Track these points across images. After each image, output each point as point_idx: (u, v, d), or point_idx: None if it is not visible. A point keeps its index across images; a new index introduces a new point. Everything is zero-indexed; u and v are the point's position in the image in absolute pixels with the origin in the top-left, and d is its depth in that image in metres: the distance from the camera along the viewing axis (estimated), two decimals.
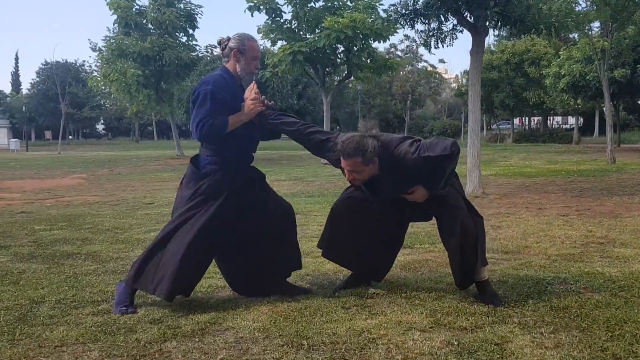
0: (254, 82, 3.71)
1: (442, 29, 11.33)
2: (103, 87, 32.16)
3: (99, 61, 31.14)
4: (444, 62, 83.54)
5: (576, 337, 2.94)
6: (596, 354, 2.72)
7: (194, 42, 28.94)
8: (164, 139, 66.60)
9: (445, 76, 57.76)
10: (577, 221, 6.78)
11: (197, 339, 3.04)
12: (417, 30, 11.45)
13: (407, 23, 10.60)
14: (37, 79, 63.45)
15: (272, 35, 20.67)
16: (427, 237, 5.89)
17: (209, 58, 27.14)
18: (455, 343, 2.88)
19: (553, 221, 6.81)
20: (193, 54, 28.21)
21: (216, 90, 3.58)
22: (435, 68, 48.55)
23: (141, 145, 50.19)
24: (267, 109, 3.67)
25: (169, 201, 9.82)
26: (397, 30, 19.86)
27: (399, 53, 44.96)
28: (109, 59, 27.20)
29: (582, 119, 44.57)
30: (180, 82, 26.19)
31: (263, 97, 3.67)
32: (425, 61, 47.18)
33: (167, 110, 29.38)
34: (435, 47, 11.44)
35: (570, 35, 33.14)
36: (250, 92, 3.64)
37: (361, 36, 19.33)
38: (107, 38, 27.88)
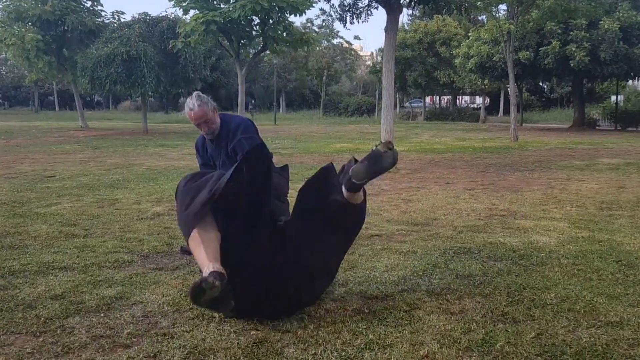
0: None
1: (358, 5, 11.40)
2: None
3: None
4: (359, 39, 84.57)
5: (479, 302, 3.07)
6: (497, 318, 2.85)
7: (99, 8, 27.43)
8: (66, 109, 63.11)
9: (361, 53, 58.35)
10: (481, 195, 7.08)
11: (102, 314, 2.93)
12: (333, 4, 11.46)
13: None
14: None
15: (184, 4, 19.93)
16: None
17: (115, 25, 25.75)
18: (366, 311, 2.94)
19: (460, 195, 7.09)
20: (98, 19, 26.73)
21: (197, 156, 4.31)
22: (351, 45, 48.90)
23: (41, 116, 47.34)
24: None
25: (71, 174, 9.35)
26: (313, 4, 19.74)
27: (315, 28, 44.81)
28: (5, 22, 25.27)
29: (488, 99, 46.65)
30: (84, 49, 24.74)
31: None
32: (341, 37, 47.50)
33: (70, 78, 27.78)
34: (350, 23, 11.58)
35: (479, 17, 34.38)
36: None
37: (277, 8, 19.04)
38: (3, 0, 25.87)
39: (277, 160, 4.64)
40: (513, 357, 2.42)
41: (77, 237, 4.70)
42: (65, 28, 25.33)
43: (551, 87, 47.01)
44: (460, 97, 54.38)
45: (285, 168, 4.43)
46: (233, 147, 4.03)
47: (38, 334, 2.69)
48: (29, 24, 25.04)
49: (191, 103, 3.95)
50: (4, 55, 32.02)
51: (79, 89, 28.95)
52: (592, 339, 2.59)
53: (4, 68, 59.99)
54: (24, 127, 27.62)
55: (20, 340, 2.62)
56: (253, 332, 2.68)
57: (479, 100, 53.13)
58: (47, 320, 2.84)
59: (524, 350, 2.48)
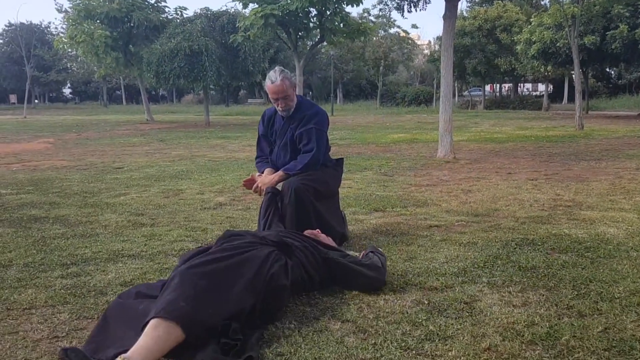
0: (256, 175, 4.22)
1: None
2: (69, 50, 31.31)
3: (65, 22, 30.19)
4: (416, 28, 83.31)
5: (543, 295, 3.00)
6: (562, 311, 2.79)
7: (163, 4, 28.23)
8: (133, 103, 65.35)
9: (418, 42, 57.50)
10: (545, 185, 6.89)
11: None
12: None
13: None
14: (1, 41, 61.29)
15: None
16: (399, 200, 5.94)
17: (178, 20, 26.39)
18: (426, 302, 2.93)
19: (522, 185, 6.92)
20: (162, 15, 27.50)
21: (259, 127, 4.37)
22: (408, 34, 48.24)
23: (109, 110, 49.25)
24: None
25: (138, 165, 9.70)
26: None
27: (372, 18, 44.46)
28: (76, 20, 26.36)
29: (551, 86, 45.11)
30: (150, 45, 25.52)
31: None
32: (398, 26, 46.92)
33: (136, 73, 28.75)
34: (408, 11, 11.41)
35: (542, 2, 33.26)
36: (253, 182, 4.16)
37: None
38: None
39: (335, 151, 4.67)
40: (579, 352, 2.36)
41: (144, 226, 4.89)
42: (132, 24, 26.24)
43: (619, 73, 45.02)
44: (522, 84, 52.87)
45: (340, 161, 4.44)
46: (300, 133, 4.05)
47: None
48: (98, 21, 26.02)
49: (273, 76, 3.91)
50: (74, 52, 33.35)
51: (145, 84, 29.90)
52: None
53: (74, 64, 62.47)
54: (94, 121, 28.80)
55: (92, 325, 2.70)
56: (313, 321, 2.73)
57: (541, 87, 51.49)
58: None
59: (591, 344, 2.42)
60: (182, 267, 2.61)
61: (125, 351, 2.25)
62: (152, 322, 2.28)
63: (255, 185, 4.09)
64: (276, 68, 4.03)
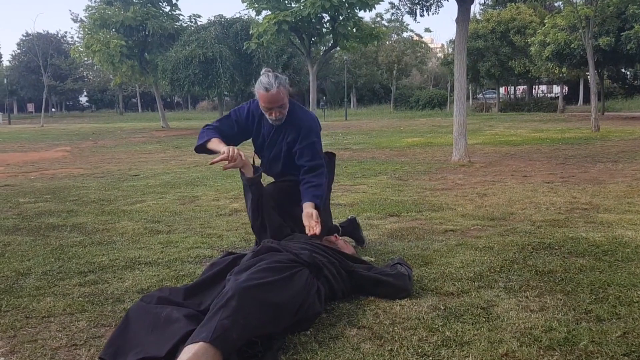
0: (229, 150, 3.32)
1: None
2: (85, 58, 31.73)
3: (81, 32, 30.59)
4: (430, 32, 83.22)
5: (561, 300, 2.98)
6: (580, 316, 2.76)
7: (178, 12, 28.53)
8: (149, 110, 65.95)
9: (431, 46, 57.47)
10: (561, 188, 6.84)
11: None
12: None
13: None
14: (18, 51, 62.30)
15: (256, 5, 20.35)
16: (414, 205, 5.93)
17: (192, 28, 26.62)
18: (442, 307, 2.91)
19: (538, 188, 6.87)
20: (177, 23, 27.77)
21: (237, 111, 3.80)
22: (421, 37, 48.21)
23: (125, 117, 49.70)
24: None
25: (154, 173, 9.78)
26: None
27: (384, 23, 44.46)
28: (92, 29, 26.72)
29: (566, 88, 44.74)
30: (164, 52, 25.76)
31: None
32: (411, 30, 46.87)
33: (151, 81, 29.02)
34: (420, 15, 11.42)
35: (555, 4, 33.06)
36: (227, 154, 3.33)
37: (347, 5, 19.10)
38: (89, 8, 27.33)
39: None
40: (597, 357, 2.34)
41: (161, 233, 4.92)
42: (147, 33, 26.53)
43: (634, 74, 44.55)
44: (536, 86, 52.49)
45: (332, 156, 4.14)
46: (302, 150, 3.66)
47: None
48: (113, 30, 26.35)
49: (268, 83, 3.42)
50: (90, 60, 33.81)
51: (160, 91, 30.19)
52: None
53: (90, 73, 63.35)
54: (110, 129, 29.08)
55: (109, 332, 2.70)
56: (329, 327, 2.73)
57: (556, 89, 51.11)
58: None
59: (609, 349, 2.39)
60: (239, 284, 2.54)
61: (145, 358, 2.27)
62: (203, 346, 2.22)
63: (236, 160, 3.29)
64: (269, 73, 3.50)
